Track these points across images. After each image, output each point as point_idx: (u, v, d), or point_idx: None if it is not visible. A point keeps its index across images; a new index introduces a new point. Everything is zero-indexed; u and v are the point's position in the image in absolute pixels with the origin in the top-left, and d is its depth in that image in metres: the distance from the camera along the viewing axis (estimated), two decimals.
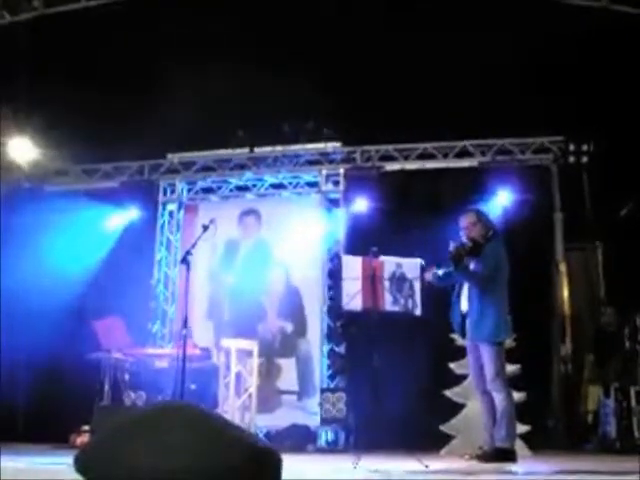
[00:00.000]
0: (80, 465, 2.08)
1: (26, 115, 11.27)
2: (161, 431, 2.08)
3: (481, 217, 6.43)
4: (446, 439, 9.14)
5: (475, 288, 6.14)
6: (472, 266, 6.17)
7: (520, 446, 7.48)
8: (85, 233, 12.22)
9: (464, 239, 6.25)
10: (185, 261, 7.35)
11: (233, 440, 2.14)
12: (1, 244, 11.73)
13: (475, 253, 6.16)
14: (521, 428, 7.96)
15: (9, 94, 10.76)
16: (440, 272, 6.39)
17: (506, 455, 5.90)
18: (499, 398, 6.02)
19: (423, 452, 6.76)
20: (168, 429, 2.09)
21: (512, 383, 6.72)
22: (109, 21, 10.91)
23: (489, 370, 6.04)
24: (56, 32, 10.99)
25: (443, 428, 9.24)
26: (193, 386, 8.60)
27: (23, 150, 11.85)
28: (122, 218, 12.64)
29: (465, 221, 6.37)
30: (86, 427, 8.97)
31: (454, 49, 10.08)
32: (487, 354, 6.07)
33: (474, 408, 8.06)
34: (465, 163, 11.61)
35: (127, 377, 9.19)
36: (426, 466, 5.54)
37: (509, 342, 8.08)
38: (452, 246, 6.11)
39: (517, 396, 7.99)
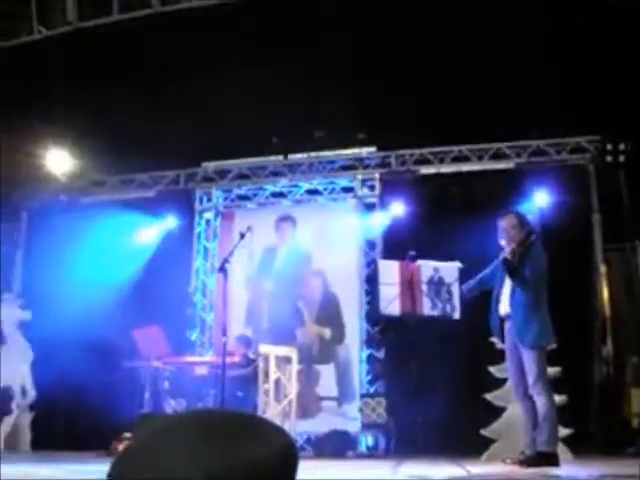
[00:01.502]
0: (113, 472, 2.08)
1: (62, 128, 11.40)
2: (194, 435, 2.08)
3: (521, 219, 6.37)
4: (487, 443, 9.08)
5: (522, 293, 6.07)
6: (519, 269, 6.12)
7: (562, 450, 7.40)
8: (123, 243, 12.33)
9: (502, 242, 6.20)
10: (223, 269, 7.37)
11: (269, 438, 2.13)
12: (41, 256, 11.89)
13: (521, 257, 6.11)
14: (563, 432, 7.88)
15: (46, 107, 10.89)
16: (467, 285, 6.36)
17: (548, 459, 5.82)
18: (541, 401, 5.95)
19: (464, 457, 6.72)
20: (201, 433, 2.09)
21: (553, 386, 6.64)
22: (142, 33, 11.01)
23: (531, 373, 5.98)
24: (90, 45, 11.10)
25: (484, 432, 9.18)
26: (236, 393, 8.63)
27: (60, 162, 11.99)
28: (159, 227, 12.73)
29: (504, 224, 6.31)
30: (127, 435, 9.03)
31: (487, 49, 10.02)
32: (529, 358, 6.01)
33: (515, 412, 7.99)
34: (501, 165, 11.52)
35: (167, 385, 9.24)
36: (467, 471, 5.50)
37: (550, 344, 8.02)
38: (506, 253, 6.05)
39: (558, 399, 7.91)
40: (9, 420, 10.82)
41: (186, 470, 1.94)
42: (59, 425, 11.33)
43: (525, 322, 6.01)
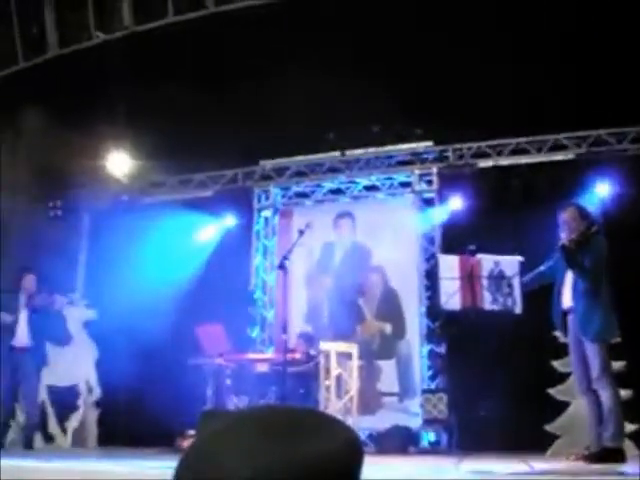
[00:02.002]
0: (179, 471, 2.11)
1: (122, 130, 11.58)
2: (257, 432, 2.10)
3: (582, 211, 6.29)
4: (551, 439, 8.98)
5: (581, 283, 6.00)
6: (579, 260, 6.05)
7: (628, 446, 7.29)
8: (183, 242, 12.49)
9: (563, 235, 6.13)
10: (282, 266, 7.42)
11: (333, 433, 2.14)
12: (104, 256, 12.11)
13: (582, 247, 6.04)
14: (629, 427, 7.76)
15: (106, 110, 11.08)
16: (527, 277, 6.32)
17: (614, 455, 5.73)
18: (605, 396, 5.86)
19: (527, 452, 6.66)
20: (264, 430, 2.11)
21: (618, 380, 6.54)
22: (198, 33, 11.12)
23: (595, 367, 5.90)
24: (147, 47, 11.26)
25: (548, 428, 9.08)
26: (297, 390, 8.68)
27: (120, 164, 12.18)
28: (218, 226, 12.86)
29: (565, 216, 6.24)
30: (191, 432, 9.14)
31: (541, 39, 9.90)
32: (592, 351, 5.94)
33: (579, 407, 7.89)
34: (560, 156, 11.34)
35: (229, 382, 9.33)
36: (531, 467, 5.45)
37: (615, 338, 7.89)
38: (565, 240, 6.00)
39: (624, 394, 7.79)
40: (76, 417, 11.05)
41: (248, 468, 1.96)
42: (124, 422, 11.53)
43: (587, 314, 5.94)
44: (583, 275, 6.00)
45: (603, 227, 6.49)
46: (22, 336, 8.91)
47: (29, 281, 9.15)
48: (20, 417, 9.98)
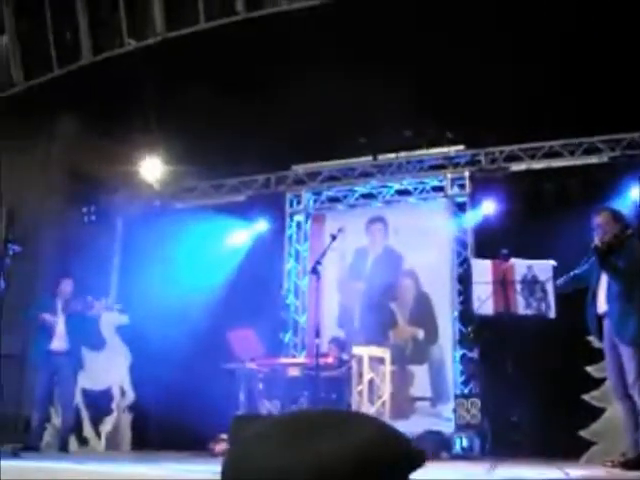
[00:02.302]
0: (223, 471, 2.15)
1: (155, 136, 11.66)
2: (296, 435, 2.12)
3: (616, 215, 6.24)
4: (586, 445, 8.88)
5: (616, 286, 5.94)
6: (613, 262, 5.99)
7: None
8: (216, 247, 12.55)
9: (597, 239, 6.07)
10: (315, 271, 7.42)
11: (355, 429, 2.15)
12: (137, 261, 12.19)
13: (616, 249, 5.98)
14: None
15: (138, 117, 11.17)
16: (561, 280, 6.28)
17: None
18: None
19: (562, 459, 6.60)
20: (304, 431, 2.12)
21: None
22: (229, 39, 11.17)
23: (630, 372, 5.83)
24: (179, 53, 11.32)
25: (583, 434, 8.98)
26: (329, 394, 8.68)
27: (153, 169, 12.26)
28: (251, 231, 12.90)
29: (599, 220, 6.19)
30: (223, 436, 9.17)
31: (577, 41, 9.82)
32: (628, 356, 5.87)
33: (615, 413, 7.79)
34: (594, 160, 11.23)
35: (261, 386, 9.36)
36: (566, 474, 5.40)
37: None
38: (597, 239, 5.96)
39: None
40: (110, 420, 11.13)
41: (273, 471, 1.98)
42: (157, 426, 11.59)
43: (622, 317, 5.88)
44: (617, 277, 5.94)
45: (638, 230, 6.43)
46: (60, 340, 9.00)
47: (66, 285, 9.26)
48: (55, 420, 10.08)
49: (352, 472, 1.97)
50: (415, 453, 2.18)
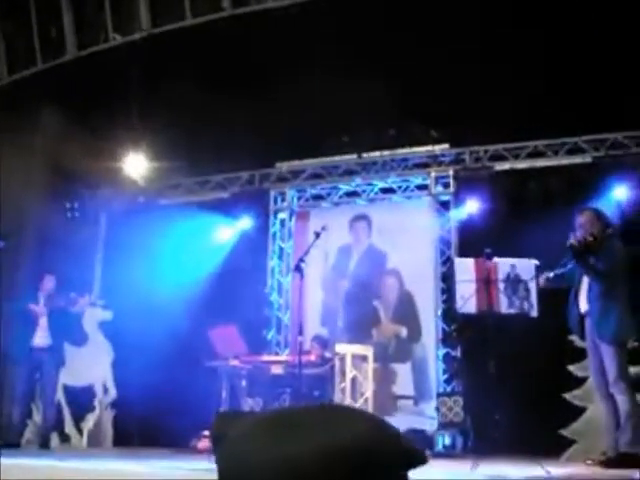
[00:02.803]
0: (218, 470, 2.16)
1: (139, 131, 11.62)
2: (283, 432, 2.12)
3: (599, 215, 6.27)
4: (567, 444, 8.92)
5: (596, 285, 5.98)
6: (592, 262, 6.02)
7: None
8: (199, 244, 12.53)
9: (573, 238, 6.10)
10: (298, 269, 7.42)
11: (344, 426, 2.15)
12: (120, 257, 12.15)
13: (595, 249, 6.01)
14: None
15: (123, 112, 11.13)
16: (551, 274, 6.29)
17: (631, 461, 5.68)
18: (622, 401, 5.83)
19: (543, 457, 6.61)
20: (310, 425, 2.12)
21: (637, 385, 6.50)
22: (215, 36, 11.15)
23: (611, 371, 5.87)
24: (165, 49, 11.29)
25: (564, 432, 9.02)
26: (312, 392, 8.68)
27: (137, 165, 12.23)
28: (235, 228, 12.88)
29: (581, 219, 6.23)
30: (206, 433, 9.16)
31: (561, 41, 9.86)
32: (609, 355, 5.91)
33: (596, 411, 7.84)
34: (577, 159, 11.28)
35: (244, 384, 9.35)
36: (547, 472, 5.42)
37: (632, 342, 7.84)
38: (573, 238, 5.99)
39: None
40: (92, 417, 11.08)
41: (264, 469, 1.97)
42: (139, 423, 11.55)
43: (602, 316, 5.92)
44: (596, 278, 5.98)
45: (620, 230, 6.46)
46: (42, 336, 8.98)
47: (49, 281, 9.25)
48: (36, 417, 10.03)
49: (346, 469, 1.96)
50: (414, 451, 2.18)
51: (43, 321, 9.01)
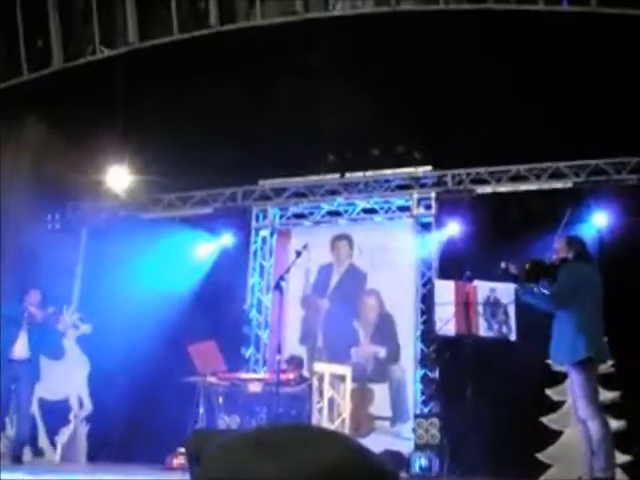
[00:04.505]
0: None
1: (122, 145, 11.61)
2: (253, 448, 2.11)
3: (571, 242, 6.29)
4: (543, 467, 8.94)
5: (549, 309, 6.00)
6: (544, 290, 6.03)
7: (621, 477, 7.25)
8: (179, 259, 12.48)
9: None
10: (279, 287, 7.42)
11: (322, 447, 2.14)
12: (100, 271, 12.09)
13: (551, 274, 6.02)
14: (621, 458, 7.72)
15: (106, 125, 11.11)
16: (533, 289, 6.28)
17: None
18: (594, 426, 5.79)
19: None
20: (288, 445, 2.11)
21: (611, 410, 6.52)
22: (199, 52, 11.18)
23: (579, 396, 5.85)
24: (150, 64, 11.31)
25: (540, 456, 9.04)
26: (289, 411, 8.65)
27: (119, 179, 12.19)
28: (216, 244, 12.85)
29: (556, 244, 6.27)
30: (182, 449, 9.10)
31: (542, 71, 9.97)
32: (576, 378, 5.89)
33: (572, 436, 7.86)
34: (559, 185, 11.36)
35: (221, 401, 9.30)
36: None
37: (607, 367, 7.87)
38: (504, 263, 6.00)
39: (617, 424, 7.77)
40: (66, 431, 10.98)
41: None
42: (114, 438, 11.46)
43: (556, 339, 5.94)
44: (536, 301, 6.00)
45: (599, 255, 6.50)
46: (21, 349, 8.95)
47: (34, 296, 9.25)
48: (10, 430, 9.93)
49: None
50: (389, 473, 2.18)
51: (23, 335, 8.98)
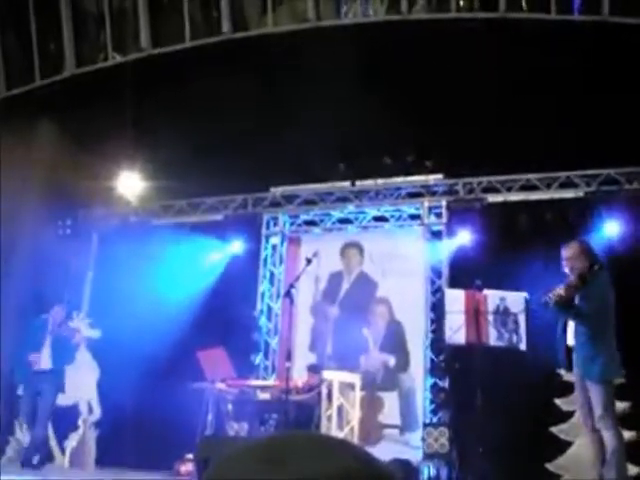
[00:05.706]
0: None
1: (133, 151, 11.64)
2: (271, 460, 2.08)
3: (585, 248, 6.24)
4: (553, 478, 8.89)
5: (583, 328, 5.94)
6: (577, 301, 5.98)
7: None
8: (190, 265, 12.49)
9: (566, 270, 6.08)
10: (289, 294, 7.42)
11: (336, 456, 2.12)
12: (110, 276, 12.12)
13: (581, 288, 5.97)
14: (632, 469, 7.67)
15: (118, 131, 11.15)
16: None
17: None
18: (608, 436, 5.79)
19: None
20: (295, 455, 2.09)
21: (622, 421, 6.49)
22: (211, 59, 11.22)
23: (597, 407, 5.84)
24: (162, 70, 11.35)
25: (550, 466, 8.99)
26: (298, 418, 8.63)
27: (130, 185, 12.22)
28: (226, 250, 12.85)
29: (568, 252, 6.19)
30: (190, 456, 9.10)
31: (555, 79, 9.96)
32: (595, 391, 5.88)
33: (582, 446, 7.81)
34: (570, 194, 11.32)
35: (230, 408, 9.30)
36: None
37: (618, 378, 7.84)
38: (548, 297, 5.88)
39: (628, 435, 7.72)
40: (75, 436, 11.00)
41: None
42: (123, 443, 11.46)
43: (590, 356, 5.88)
44: (579, 320, 5.93)
45: (609, 266, 6.46)
46: (45, 360, 9.11)
47: (58, 312, 9.45)
48: (19, 434, 9.96)
49: None
50: None
51: (47, 346, 9.17)
